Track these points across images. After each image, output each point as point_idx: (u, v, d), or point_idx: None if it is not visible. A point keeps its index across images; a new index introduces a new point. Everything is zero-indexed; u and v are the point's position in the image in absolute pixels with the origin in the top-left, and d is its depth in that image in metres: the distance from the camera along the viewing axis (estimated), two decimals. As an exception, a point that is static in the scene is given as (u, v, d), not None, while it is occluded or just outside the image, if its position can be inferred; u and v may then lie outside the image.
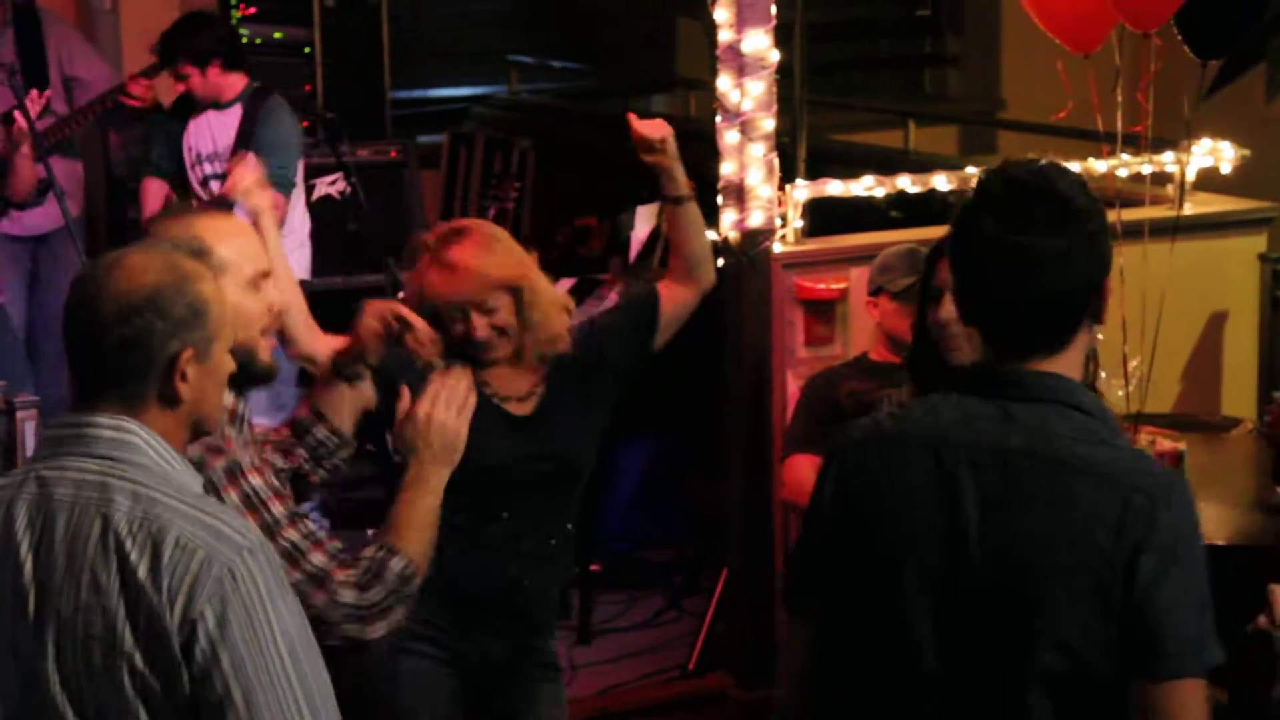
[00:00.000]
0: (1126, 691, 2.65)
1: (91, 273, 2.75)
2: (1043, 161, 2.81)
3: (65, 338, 2.76)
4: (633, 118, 4.29)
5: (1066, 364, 2.78)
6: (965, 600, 2.71)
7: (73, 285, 2.76)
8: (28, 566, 2.65)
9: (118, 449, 2.68)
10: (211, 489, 2.98)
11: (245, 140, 6.81)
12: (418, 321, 3.72)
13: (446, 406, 3.38)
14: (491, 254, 4.10)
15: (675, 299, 4.34)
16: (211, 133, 7.01)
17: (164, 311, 2.69)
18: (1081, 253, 2.74)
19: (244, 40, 7.61)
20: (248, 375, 3.05)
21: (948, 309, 4.43)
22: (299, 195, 7.07)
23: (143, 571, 2.58)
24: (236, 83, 6.93)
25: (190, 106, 7.04)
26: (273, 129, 6.81)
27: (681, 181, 4.30)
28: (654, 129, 4.26)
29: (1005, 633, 2.68)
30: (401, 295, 4.21)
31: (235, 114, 6.97)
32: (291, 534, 3.11)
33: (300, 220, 7.10)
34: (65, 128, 7.14)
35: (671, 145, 4.26)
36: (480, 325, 4.06)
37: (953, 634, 2.73)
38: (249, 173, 3.54)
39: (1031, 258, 2.71)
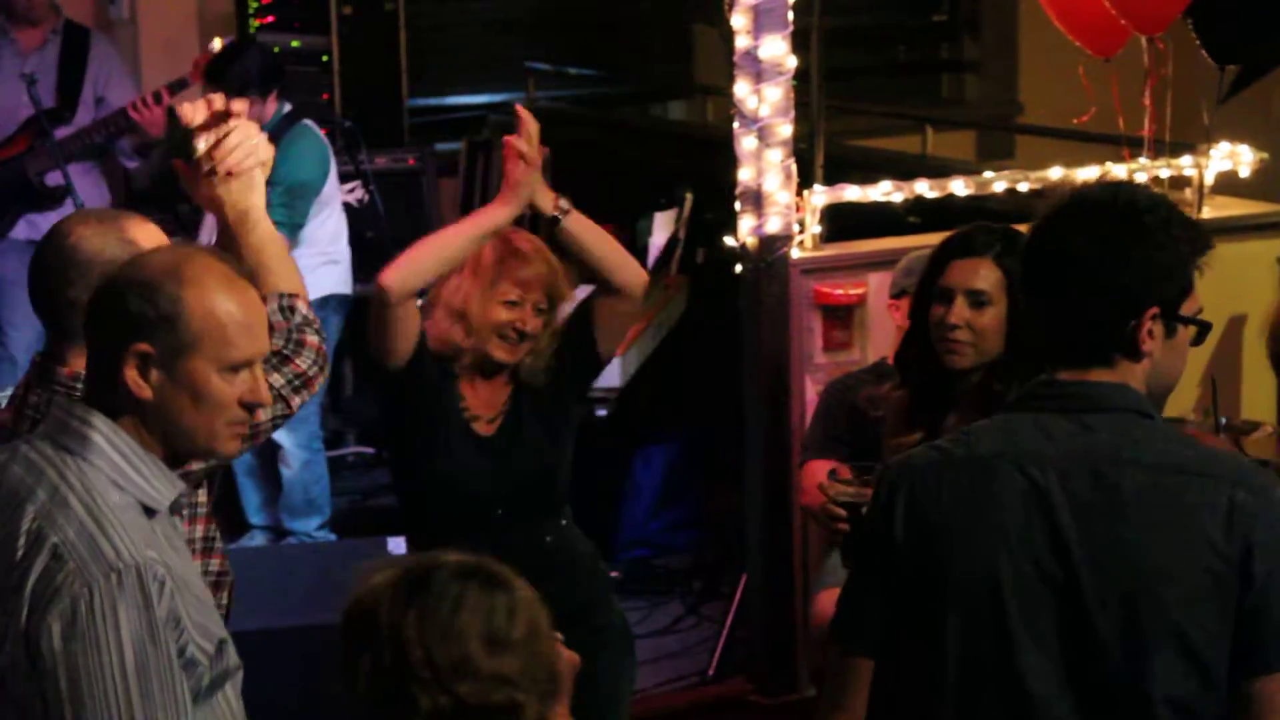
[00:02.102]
0: (1231, 686, 2.65)
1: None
2: (1124, 181, 2.85)
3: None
4: (506, 138, 4.16)
5: (1132, 379, 2.78)
6: (1075, 614, 2.69)
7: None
8: None
9: (75, 441, 2.70)
10: None
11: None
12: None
13: (225, 144, 3.26)
14: (554, 262, 4.19)
15: (610, 308, 4.29)
16: None
17: (129, 303, 2.69)
18: (1148, 266, 2.76)
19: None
20: (191, 454, 2.85)
21: (959, 312, 4.43)
22: (333, 217, 7.05)
23: (19, 571, 2.60)
24: (270, 108, 6.94)
25: None
26: (291, 165, 6.71)
27: (550, 198, 4.17)
28: (517, 138, 4.12)
29: (1121, 640, 2.66)
30: (419, 303, 4.21)
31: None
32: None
33: (331, 241, 7.05)
34: (81, 139, 7.17)
35: (535, 156, 4.12)
36: (530, 319, 4.11)
37: (1064, 650, 2.70)
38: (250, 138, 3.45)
39: (1105, 265, 2.73)
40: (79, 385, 2.98)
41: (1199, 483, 2.68)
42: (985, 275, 4.43)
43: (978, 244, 4.51)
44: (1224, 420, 5.42)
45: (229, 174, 3.24)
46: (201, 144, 3.24)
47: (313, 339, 3.24)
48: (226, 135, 3.24)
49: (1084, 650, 2.69)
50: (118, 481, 2.69)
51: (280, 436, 6.79)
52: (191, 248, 2.87)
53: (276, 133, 6.90)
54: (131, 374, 2.69)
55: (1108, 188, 2.85)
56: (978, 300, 4.42)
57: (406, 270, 4.06)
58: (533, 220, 4.50)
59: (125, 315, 2.69)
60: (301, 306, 3.24)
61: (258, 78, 6.88)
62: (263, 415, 3.03)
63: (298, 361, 3.18)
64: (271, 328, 3.11)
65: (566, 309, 4.23)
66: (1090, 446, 2.72)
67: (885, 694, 2.85)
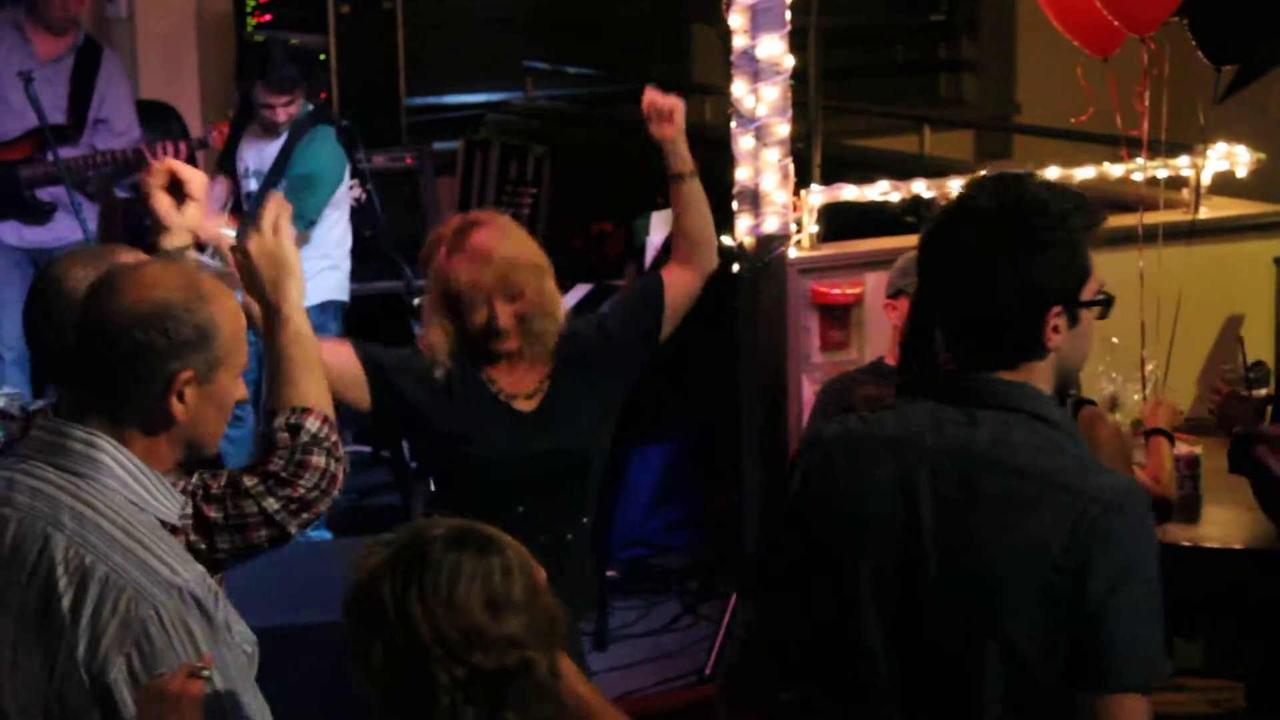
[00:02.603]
0: (1073, 702, 2.66)
1: (107, 279, 2.74)
2: (1022, 173, 2.84)
3: (74, 344, 2.75)
4: (649, 90, 4.41)
5: (1036, 374, 2.79)
6: (918, 606, 2.73)
7: (88, 293, 2.76)
8: None
9: (83, 464, 2.68)
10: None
11: (282, 165, 6.91)
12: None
13: (261, 233, 3.14)
14: (510, 239, 4.15)
15: (679, 283, 4.37)
16: (259, 150, 7.09)
17: (169, 329, 2.67)
18: (1046, 267, 2.75)
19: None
20: (198, 458, 2.86)
21: None
22: (340, 223, 7.10)
23: (66, 604, 2.58)
24: (301, 105, 7.02)
25: (243, 122, 7.12)
26: (311, 162, 6.86)
27: (685, 158, 4.40)
28: (666, 100, 4.38)
29: (957, 638, 2.69)
30: (418, 301, 4.22)
31: (282, 136, 7.04)
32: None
33: (336, 245, 7.10)
34: (86, 166, 7.17)
35: (680, 119, 4.38)
36: (504, 313, 4.09)
37: (905, 639, 2.74)
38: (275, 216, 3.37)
39: (1000, 272, 2.73)
40: None
41: (1055, 494, 2.68)
42: None
43: None
44: (1250, 372, 5.45)
45: (188, 198, 3.19)
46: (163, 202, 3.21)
47: (318, 460, 3.03)
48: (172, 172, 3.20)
49: (922, 641, 2.72)
50: (134, 500, 2.69)
51: None
52: (173, 262, 2.86)
53: (299, 129, 6.96)
54: (175, 400, 2.69)
55: (993, 193, 2.80)
56: None
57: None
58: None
59: (170, 342, 2.67)
60: (311, 424, 3.04)
61: (299, 74, 7.01)
62: (257, 537, 2.99)
63: (297, 485, 3.01)
64: (275, 446, 3.02)
65: (544, 274, 4.18)
66: (967, 444, 2.75)
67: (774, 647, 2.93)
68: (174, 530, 2.78)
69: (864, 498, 2.79)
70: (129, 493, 2.69)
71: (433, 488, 4.54)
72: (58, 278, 3.16)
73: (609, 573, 6.53)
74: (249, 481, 2.98)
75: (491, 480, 4.11)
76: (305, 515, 3.04)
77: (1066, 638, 2.64)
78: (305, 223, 6.82)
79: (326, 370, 3.25)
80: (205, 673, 2.70)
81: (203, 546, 2.91)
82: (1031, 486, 2.69)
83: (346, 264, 7.20)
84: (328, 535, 7.07)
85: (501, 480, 4.10)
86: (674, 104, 4.39)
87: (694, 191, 4.41)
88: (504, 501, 4.08)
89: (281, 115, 6.97)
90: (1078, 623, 2.63)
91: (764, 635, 2.95)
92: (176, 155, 7.02)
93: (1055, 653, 2.65)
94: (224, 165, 7.20)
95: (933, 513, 2.73)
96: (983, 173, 2.90)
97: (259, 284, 3.10)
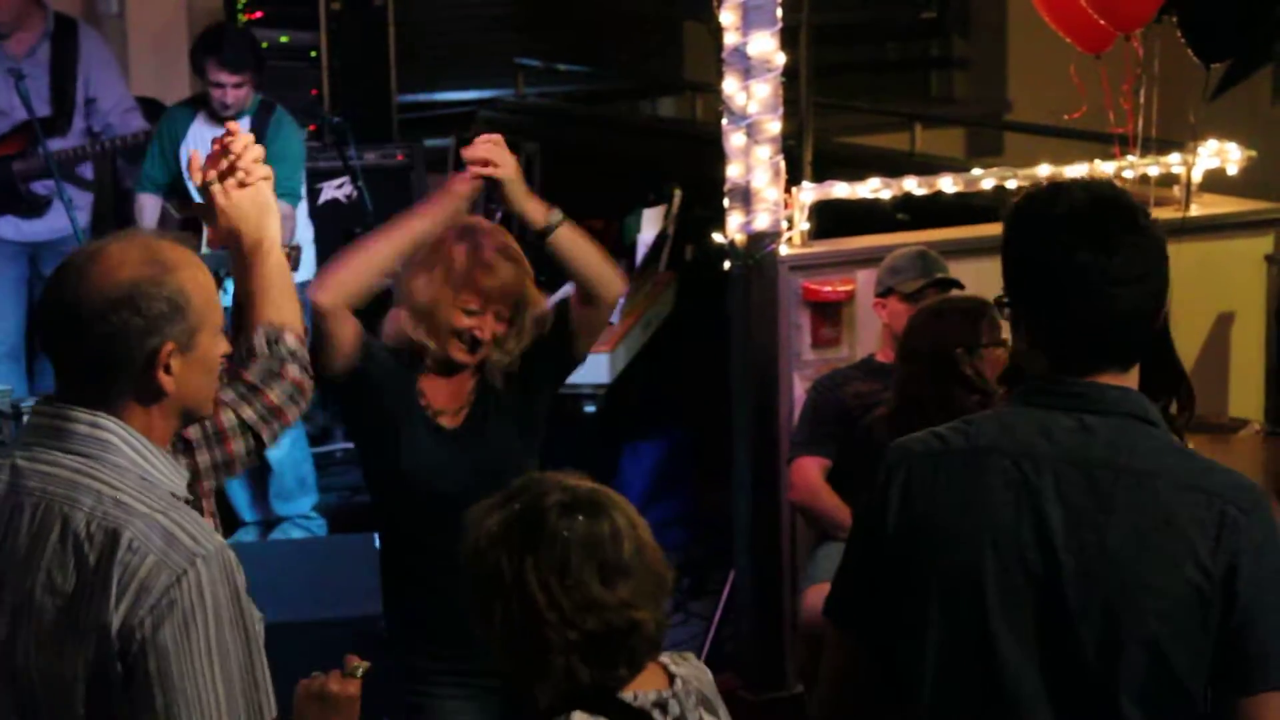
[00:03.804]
0: (1213, 703, 2.66)
1: (70, 265, 2.74)
2: (1103, 180, 2.83)
3: (45, 331, 2.77)
4: (476, 141, 4.13)
5: (1131, 378, 2.79)
6: (1055, 614, 2.69)
7: (52, 279, 2.76)
8: None
9: (92, 446, 2.69)
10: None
11: None
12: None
13: (235, 172, 3.25)
14: (523, 265, 4.12)
15: (582, 315, 4.23)
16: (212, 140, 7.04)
17: (141, 308, 2.69)
18: (1157, 274, 2.77)
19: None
20: (194, 421, 2.92)
21: None
22: (302, 204, 7.11)
23: (94, 569, 2.60)
24: (253, 94, 7.00)
25: (189, 115, 7.07)
26: (281, 142, 6.84)
27: (538, 214, 4.09)
28: (489, 156, 4.07)
29: (1098, 644, 2.67)
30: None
31: (242, 126, 6.99)
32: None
33: (304, 226, 7.14)
34: (76, 157, 7.15)
35: (515, 179, 4.07)
36: (489, 327, 4.07)
37: (1042, 648, 2.70)
38: (250, 146, 3.42)
39: (1117, 280, 2.72)
40: None
41: (1191, 495, 2.67)
42: None
43: None
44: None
45: (241, 185, 3.20)
46: (213, 174, 3.23)
47: (293, 372, 3.17)
48: (230, 145, 3.23)
49: (1061, 651, 2.69)
50: (144, 477, 2.70)
51: None
52: (133, 236, 2.87)
53: (260, 115, 6.95)
54: (162, 374, 2.71)
55: (1093, 189, 2.80)
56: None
57: (337, 284, 4.01)
58: (513, 223, 4.46)
59: (144, 321, 2.69)
60: (289, 339, 3.18)
61: (254, 58, 6.98)
62: (236, 449, 3.09)
63: (270, 394, 3.13)
64: (254, 356, 3.14)
65: (538, 311, 4.19)
66: (1087, 448, 2.72)
67: (875, 674, 2.87)
68: (186, 502, 2.80)
69: (981, 510, 2.74)
70: (139, 470, 2.71)
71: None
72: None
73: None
74: (226, 395, 3.06)
75: (416, 490, 4.10)
76: (278, 424, 3.17)
77: (1214, 639, 2.64)
78: (296, 199, 6.82)
79: (336, 331, 3.70)
80: (359, 672, 2.85)
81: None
82: (1164, 488, 2.67)
83: (312, 245, 7.18)
84: (323, 521, 7.09)
85: (425, 491, 4.08)
86: (487, 151, 4.07)
87: (566, 241, 4.10)
88: (430, 511, 4.06)
89: (230, 96, 6.91)
90: (1226, 625, 2.63)
91: (863, 663, 2.89)
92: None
93: (1202, 655, 2.64)
94: (156, 180, 7.12)
95: (1062, 520, 2.69)
96: (985, 176, 2.88)
97: (241, 222, 3.19)
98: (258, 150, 3.24)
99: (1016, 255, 2.82)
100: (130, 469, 2.69)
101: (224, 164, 3.21)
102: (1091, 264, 2.71)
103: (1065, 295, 2.74)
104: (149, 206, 7.03)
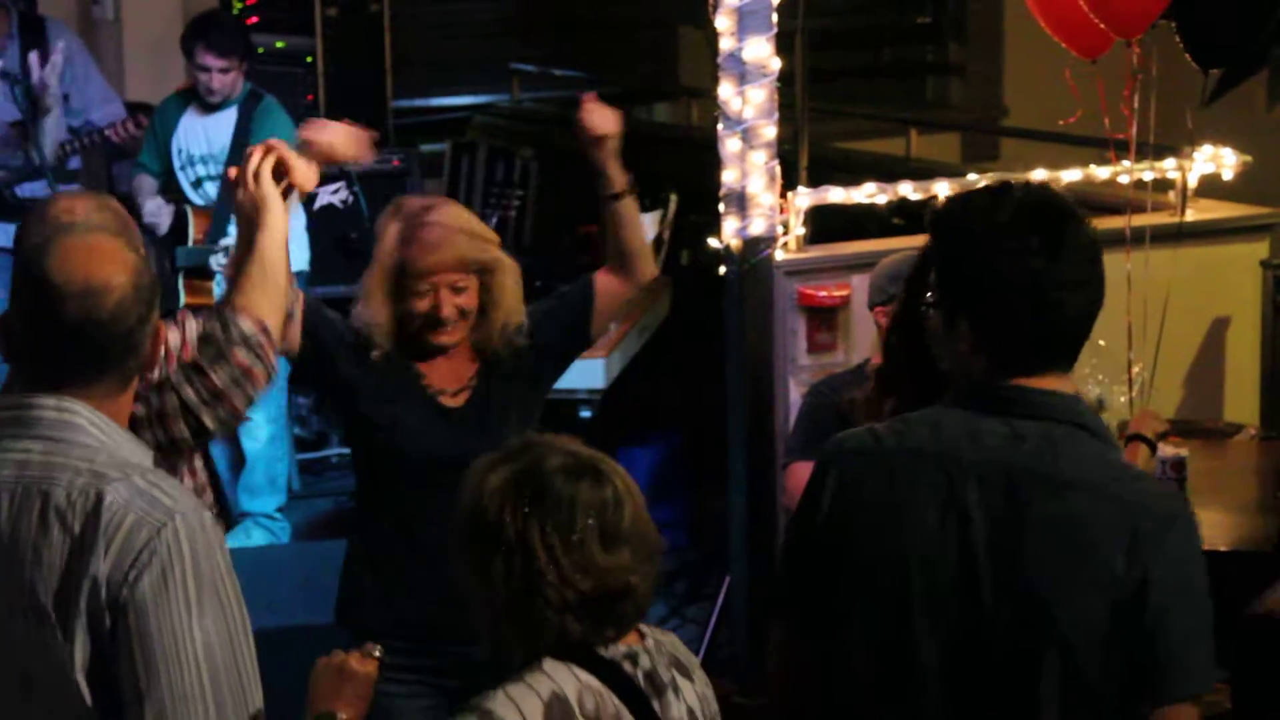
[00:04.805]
0: (1126, 712, 2.66)
1: (61, 259, 2.73)
2: (1037, 183, 2.84)
3: (35, 326, 2.75)
4: (588, 102, 4.34)
5: (1068, 382, 2.79)
6: (972, 620, 2.70)
7: (37, 271, 2.74)
8: None
9: (61, 430, 2.71)
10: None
11: (241, 142, 6.85)
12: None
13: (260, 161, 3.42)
14: (465, 233, 4.08)
15: (610, 289, 4.29)
16: (205, 134, 7.04)
17: (143, 294, 2.75)
18: (1099, 277, 2.77)
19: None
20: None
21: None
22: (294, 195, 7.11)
23: (79, 534, 2.63)
24: (241, 83, 7.00)
25: (181, 107, 7.07)
26: (269, 131, 6.83)
27: (619, 178, 4.30)
28: (603, 122, 4.30)
29: (1012, 654, 2.68)
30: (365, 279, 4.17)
31: (230, 116, 7.00)
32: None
33: (295, 216, 7.12)
34: (56, 157, 7.11)
35: (614, 142, 4.29)
36: (447, 302, 4.04)
37: (959, 655, 2.72)
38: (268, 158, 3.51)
39: (1065, 286, 2.72)
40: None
41: (1108, 506, 2.67)
42: None
43: None
44: None
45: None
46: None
47: (241, 356, 3.15)
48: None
49: (977, 656, 2.70)
50: (113, 455, 2.73)
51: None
52: (92, 228, 2.92)
53: (248, 104, 6.96)
54: (158, 348, 2.78)
55: (1032, 193, 2.79)
56: None
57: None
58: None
59: (146, 306, 2.75)
60: (244, 323, 3.17)
61: (241, 44, 7.02)
62: (178, 431, 3.10)
63: (213, 376, 3.12)
64: (208, 337, 3.16)
65: (513, 274, 4.15)
66: (1012, 456, 2.72)
67: (812, 662, 2.91)
68: None
69: (908, 512, 2.75)
70: (106, 450, 2.73)
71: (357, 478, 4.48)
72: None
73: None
74: (174, 376, 3.09)
75: (414, 473, 4.08)
76: (221, 409, 3.14)
77: (1124, 649, 2.64)
78: None
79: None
80: (377, 652, 2.93)
81: None
82: (1083, 499, 2.67)
83: (305, 235, 7.19)
84: (287, 525, 7.08)
85: (424, 474, 4.06)
86: (607, 128, 4.30)
87: (628, 210, 4.31)
88: (427, 495, 4.03)
89: (216, 81, 6.92)
90: (1137, 635, 2.63)
91: (802, 657, 2.94)
92: (134, 130, 7.02)
93: (1113, 664, 2.64)
94: (150, 167, 7.14)
95: (984, 527, 2.70)
96: (981, 181, 2.88)
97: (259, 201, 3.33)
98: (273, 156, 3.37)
99: (956, 262, 2.81)
100: (99, 449, 2.71)
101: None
102: (1042, 271, 2.71)
103: (1014, 302, 2.74)
104: (147, 187, 7.08)
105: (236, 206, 3.43)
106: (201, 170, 7.03)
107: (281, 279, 3.32)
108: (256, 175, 3.37)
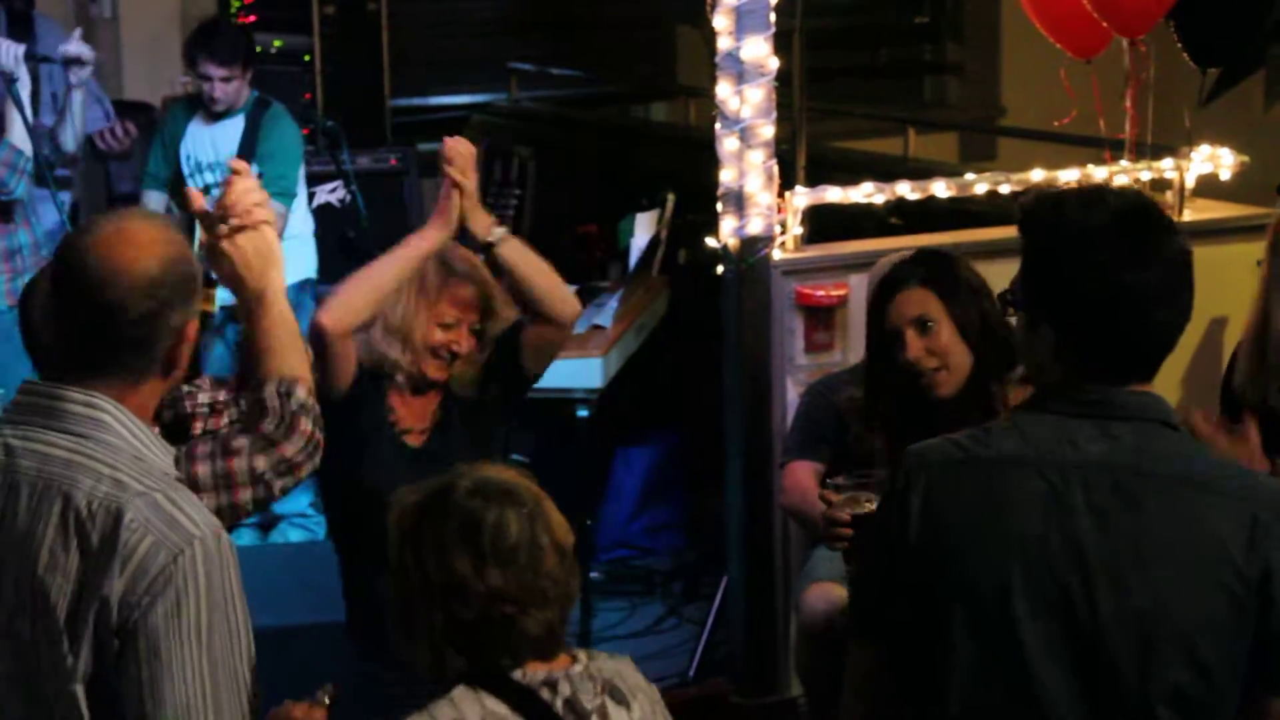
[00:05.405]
0: (1244, 703, 2.66)
1: (92, 247, 2.73)
2: (1131, 189, 2.83)
3: (60, 311, 2.75)
4: (448, 141, 4.17)
5: (1153, 384, 2.79)
6: (1087, 623, 2.68)
7: (70, 259, 2.75)
8: None
9: (88, 426, 2.71)
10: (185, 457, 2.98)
11: (248, 149, 6.84)
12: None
13: (242, 217, 3.20)
14: (487, 278, 4.17)
15: (537, 338, 4.29)
16: (212, 142, 7.03)
17: (177, 285, 2.74)
18: (1189, 288, 2.78)
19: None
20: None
21: (914, 344, 4.52)
22: (302, 198, 7.11)
23: (97, 549, 2.62)
24: (247, 92, 6.99)
25: (188, 114, 7.06)
26: (276, 138, 6.84)
27: (485, 223, 4.18)
28: (463, 164, 4.13)
29: (1131, 653, 2.66)
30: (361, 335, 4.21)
31: (238, 124, 7.00)
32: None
33: (303, 222, 7.14)
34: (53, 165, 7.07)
35: (472, 188, 4.14)
36: (464, 340, 4.10)
37: (1075, 658, 2.69)
38: (251, 190, 3.43)
39: (1157, 300, 2.73)
40: None
41: (1221, 500, 2.67)
42: (920, 301, 4.57)
43: (902, 276, 4.65)
44: None
45: (240, 228, 3.15)
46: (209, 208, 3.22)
47: (306, 425, 3.11)
48: (230, 187, 3.21)
49: (1095, 660, 2.68)
50: (137, 455, 2.73)
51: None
52: (140, 215, 2.90)
53: (255, 112, 6.95)
54: (185, 349, 2.78)
55: (1127, 200, 2.78)
56: (924, 325, 4.57)
57: (343, 308, 4.05)
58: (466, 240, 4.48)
59: (177, 298, 2.75)
60: (300, 392, 3.12)
61: (244, 53, 6.97)
62: (243, 498, 3.04)
63: (285, 447, 3.07)
64: (266, 410, 3.08)
65: (504, 323, 4.21)
66: (1113, 455, 2.70)
67: (901, 684, 2.86)
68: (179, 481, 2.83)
69: (1008, 519, 2.72)
70: (132, 449, 2.73)
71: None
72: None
73: (593, 574, 6.52)
74: (239, 442, 3.03)
75: (372, 507, 4.09)
76: (289, 478, 3.11)
77: (1248, 643, 2.64)
78: (289, 199, 6.82)
79: (341, 354, 3.72)
80: (326, 700, 2.91)
81: None
82: (1194, 494, 2.67)
83: (313, 240, 7.21)
84: (321, 519, 7.07)
85: (381, 508, 4.08)
86: (460, 164, 4.12)
87: (514, 254, 4.20)
88: (383, 528, 4.05)
89: (219, 90, 6.91)
90: (1264, 629, 2.63)
91: (886, 673, 2.88)
92: (121, 136, 6.99)
93: (1239, 661, 2.64)
94: (159, 176, 7.12)
95: (1092, 526, 2.68)
96: (1049, 188, 2.86)
97: (244, 268, 3.15)
98: (260, 195, 3.20)
99: (1047, 268, 2.78)
100: (125, 448, 2.71)
101: (220, 207, 3.17)
102: (1135, 284, 2.70)
103: (1104, 314, 2.72)
104: (154, 204, 7.04)
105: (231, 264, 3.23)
106: (209, 177, 7.03)
107: (295, 326, 3.25)
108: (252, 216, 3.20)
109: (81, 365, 2.74)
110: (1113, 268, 2.71)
